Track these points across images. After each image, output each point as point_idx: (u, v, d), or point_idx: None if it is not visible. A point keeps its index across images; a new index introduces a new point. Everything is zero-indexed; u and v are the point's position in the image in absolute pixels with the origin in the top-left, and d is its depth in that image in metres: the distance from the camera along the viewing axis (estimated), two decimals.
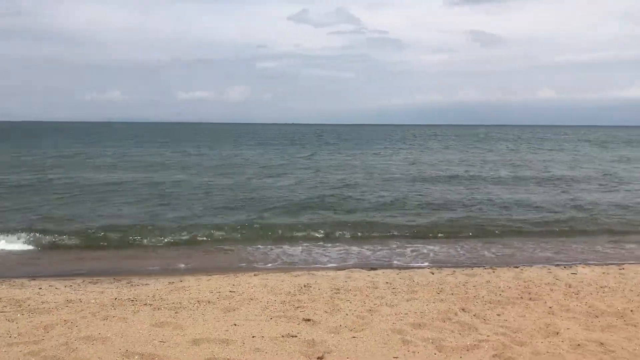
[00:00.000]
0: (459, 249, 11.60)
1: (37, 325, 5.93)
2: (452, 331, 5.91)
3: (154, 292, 7.50)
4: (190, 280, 8.26)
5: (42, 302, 6.87)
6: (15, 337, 5.55)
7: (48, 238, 11.88)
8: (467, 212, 15.89)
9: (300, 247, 11.63)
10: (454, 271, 9.02)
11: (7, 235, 11.78)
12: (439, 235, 12.98)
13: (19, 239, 11.66)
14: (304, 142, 66.57)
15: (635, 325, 6.19)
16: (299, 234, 12.81)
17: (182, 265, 10.05)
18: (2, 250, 11.14)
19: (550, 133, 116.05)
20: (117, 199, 17.58)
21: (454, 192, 20.03)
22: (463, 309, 6.70)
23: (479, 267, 9.57)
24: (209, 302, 6.95)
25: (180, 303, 6.89)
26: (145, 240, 12.06)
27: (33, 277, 8.81)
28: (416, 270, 9.15)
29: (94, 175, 24.47)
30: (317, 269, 9.46)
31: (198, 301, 6.98)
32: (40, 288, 7.72)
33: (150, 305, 6.81)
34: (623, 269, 9.24)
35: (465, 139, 77.63)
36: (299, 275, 8.71)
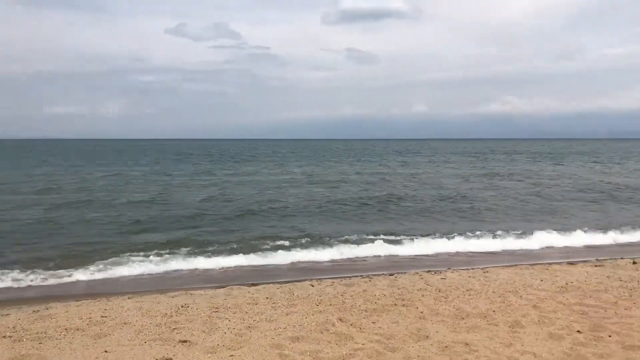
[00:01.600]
0: None
1: None
2: (329, 342, 6.01)
3: (15, 322, 6.93)
4: (57, 307, 7.72)
5: None
6: None
7: None
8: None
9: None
10: (333, 282, 9.20)
11: None
12: None
13: None
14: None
15: (496, 325, 6.65)
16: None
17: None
18: None
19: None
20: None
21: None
22: (340, 319, 6.85)
23: (357, 276, 9.84)
24: (77, 329, 6.54)
25: (45, 332, 6.42)
26: None
27: None
28: (296, 283, 9.21)
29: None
30: (196, 288, 9.19)
31: (65, 329, 6.54)
32: None
33: (10, 337, 6.28)
34: (487, 272, 9.90)
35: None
36: (175, 295, 8.43)
